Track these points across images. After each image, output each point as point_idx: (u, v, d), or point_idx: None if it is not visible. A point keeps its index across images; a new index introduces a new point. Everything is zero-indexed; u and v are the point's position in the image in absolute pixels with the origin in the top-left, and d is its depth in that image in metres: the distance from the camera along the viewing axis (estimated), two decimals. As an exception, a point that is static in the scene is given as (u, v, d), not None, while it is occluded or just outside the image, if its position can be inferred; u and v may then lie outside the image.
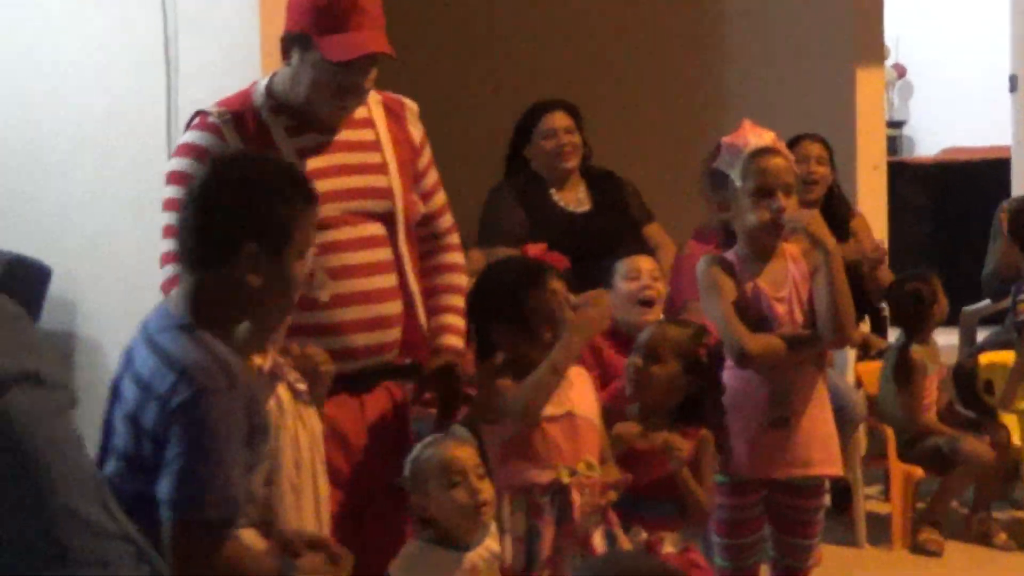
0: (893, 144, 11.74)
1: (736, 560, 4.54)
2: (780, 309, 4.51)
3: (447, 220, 4.13)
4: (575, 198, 6.14)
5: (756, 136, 4.51)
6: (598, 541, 3.97)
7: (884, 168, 7.74)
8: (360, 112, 3.93)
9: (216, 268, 3.14)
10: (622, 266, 5.21)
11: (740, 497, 4.43)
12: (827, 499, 4.85)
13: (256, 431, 3.14)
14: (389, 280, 3.87)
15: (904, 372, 6.56)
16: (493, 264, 4.52)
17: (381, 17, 3.79)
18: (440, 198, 4.10)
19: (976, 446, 6.47)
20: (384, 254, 3.87)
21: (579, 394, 4.04)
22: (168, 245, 3.72)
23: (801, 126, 6.60)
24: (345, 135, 3.89)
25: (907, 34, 12.25)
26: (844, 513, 6.62)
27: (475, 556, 3.70)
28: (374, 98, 3.96)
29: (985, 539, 6.53)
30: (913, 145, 12.93)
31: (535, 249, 4.23)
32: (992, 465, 6.48)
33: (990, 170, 10.54)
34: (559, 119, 6.16)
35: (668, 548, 4.23)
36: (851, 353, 6.90)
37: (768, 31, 8.18)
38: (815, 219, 4.50)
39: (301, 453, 3.63)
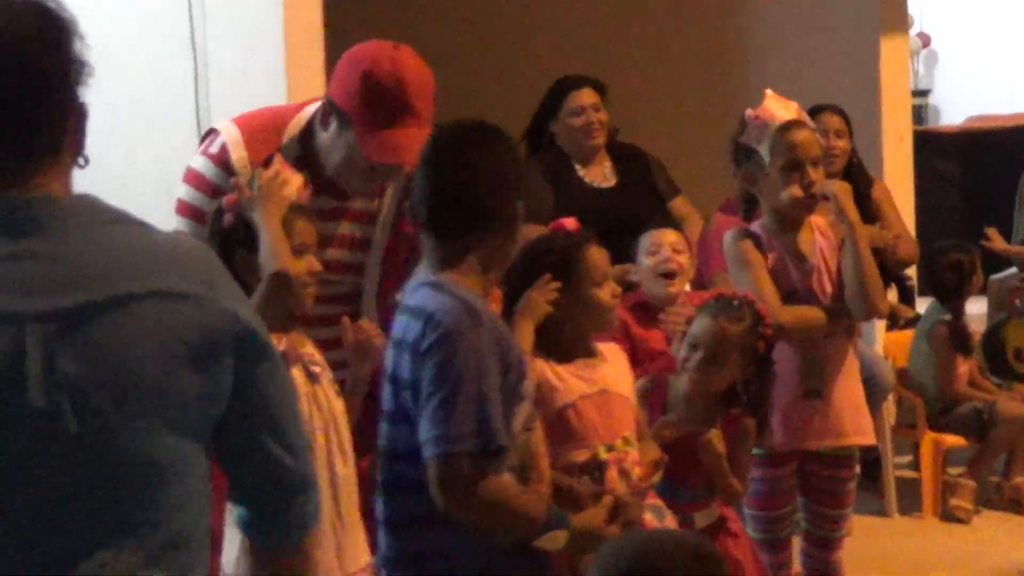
0: (918, 113, 11.70)
1: (769, 531, 4.56)
2: (807, 281, 4.52)
3: None
4: (601, 174, 6.15)
5: (781, 108, 4.50)
6: (649, 518, 3.93)
7: (910, 138, 7.72)
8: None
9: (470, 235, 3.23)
10: (644, 240, 5.20)
11: (774, 469, 4.44)
12: (858, 468, 4.84)
13: (511, 369, 3.18)
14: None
15: (962, 342, 6.61)
16: (537, 239, 4.33)
17: (429, 113, 3.64)
18: None
19: (1015, 407, 6.49)
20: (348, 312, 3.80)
21: (613, 370, 4.00)
22: None
23: (825, 96, 6.59)
24: (355, 203, 3.78)
25: (931, 3, 12.22)
26: (875, 483, 6.63)
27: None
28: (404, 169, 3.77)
29: (1016, 506, 6.54)
30: (938, 114, 12.89)
31: (570, 223, 4.09)
32: None
33: (1016, 137, 10.51)
34: (587, 96, 6.16)
35: (701, 523, 4.23)
36: (879, 323, 6.91)
37: (793, 2, 8.17)
38: (844, 190, 4.51)
39: (314, 436, 3.63)
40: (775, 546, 4.59)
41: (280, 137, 3.68)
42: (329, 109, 3.62)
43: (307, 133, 3.69)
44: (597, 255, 3.91)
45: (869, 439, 4.68)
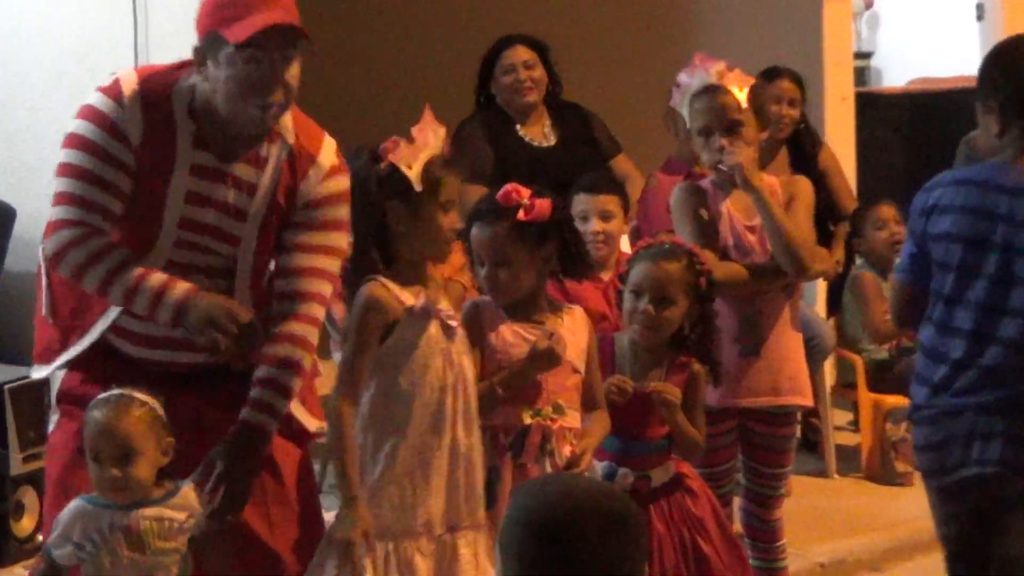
0: (861, 75, 11.71)
1: (709, 488, 4.55)
2: (751, 238, 4.53)
3: (314, 286, 3.73)
4: (541, 132, 6.14)
5: (703, 73, 4.51)
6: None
7: (852, 99, 7.73)
8: (266, 150, 3.68)
9: None
10: (576, 204, 5.13)
11: (712, 426, 4.43)
12: (798, 429, 4.85)
13: None
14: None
15: (860, 292, 6.63)
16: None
17: (293, 8, 3.57)
18: (314, 260, 3.73)
19: None
20: (221, 286, 3.71)
21: (563, 334, 4.00)
22: (60, 213, 3.60)
23: (769, 58, 6.58)
24: (238, 169, 3.67)
25: (874, -37, 12.21)
26: (815, 444, 6.65)
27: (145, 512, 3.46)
28: (286, 141, 3.71)
29: None
30: (881, 76, 12.90)
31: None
32: None
33: (958, 100, 10.52)
34: (519, 53, 6.15)
35: (659, 479, 4.22)
36: (821, 284, 6.91)
37: (735, -39, 8.14)
38: (748, 158, 4.49)
39: (444, 395, 3.66)
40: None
41: (172, 88, 3.62)
42: (200, 49, 3.57)
43: (196, 86, 3.62)
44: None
45: (806, 400, 4.69)
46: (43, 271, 3.82)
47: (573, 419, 3.97)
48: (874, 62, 12.99)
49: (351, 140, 6.32)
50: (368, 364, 3.70)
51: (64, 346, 3.78)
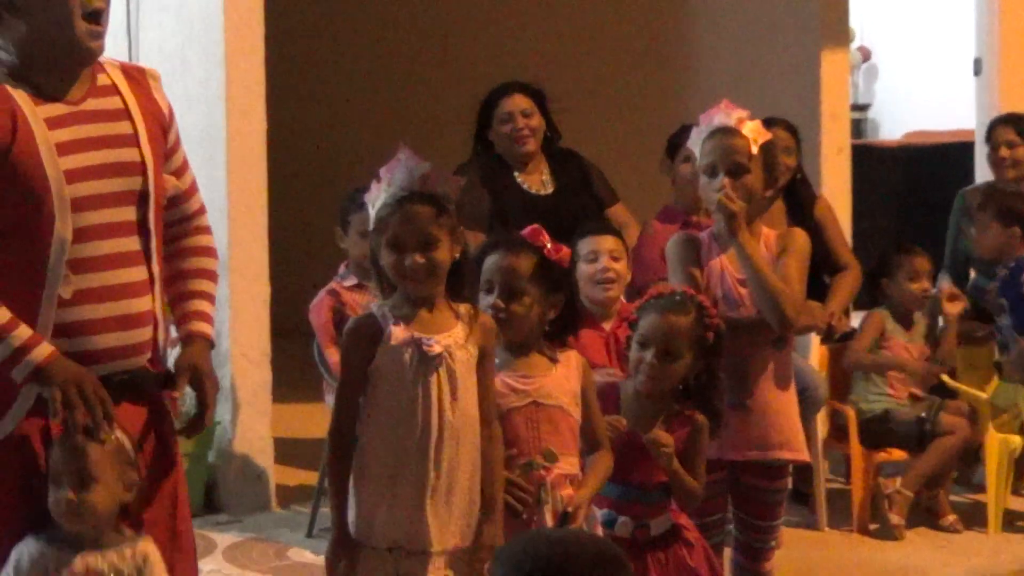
0: (857, 127, 11.75)
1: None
2: (741, 291, 4.53)
3: (197, 201, 3.71)
4: (539, 180, 6.14)
5: (725, 115, 4.54)
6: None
7: (848, 151, 7.74)
8: (102, 79, 3.49)
9: None
10: (583, 246, 5.22)
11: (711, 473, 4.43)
12: (789, 482, 4.84)
13: None
14: (140, 273, 3.48)
15: (863, 322, 6.66)
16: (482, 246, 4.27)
17: None
18: (189, 176, 3.69)
19: (959, 421, 6.49)
20: (134, 243, 3.47)
21: (558, 380, 4.02)
22: None
23: (766, 108, 6.57)
24: (91, 104, 3.45)
25: (872, 16, 12.28)
26: (806, 496, 6.63)
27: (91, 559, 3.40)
28: (112, 63, 3.54)
29: (929, 515, 6.56)
30: (877, 128, 12.95)
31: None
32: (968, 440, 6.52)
33: (954, 153, 10.56)
34: (517, 102, 6.16)
35: (657, 530, 4.22)
36: (814, 336, 6.91)
37: (734, 12, 8.18)
38: (738, 209, 4.48)
39: (419, 422, 3.70)
40: None
41: None
42: None
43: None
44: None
45: (798, 454, 4.67)
46: None
47: (570, 464, 3.99)
48: (870, 114, 13.04)
49: (350, 182, 6.36)
50: (354, 395, 3.76)
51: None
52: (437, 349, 3.70)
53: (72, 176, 3.37)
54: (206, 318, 3.66)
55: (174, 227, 3.65)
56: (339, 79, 10.24)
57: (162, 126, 3.56)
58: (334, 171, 8.94)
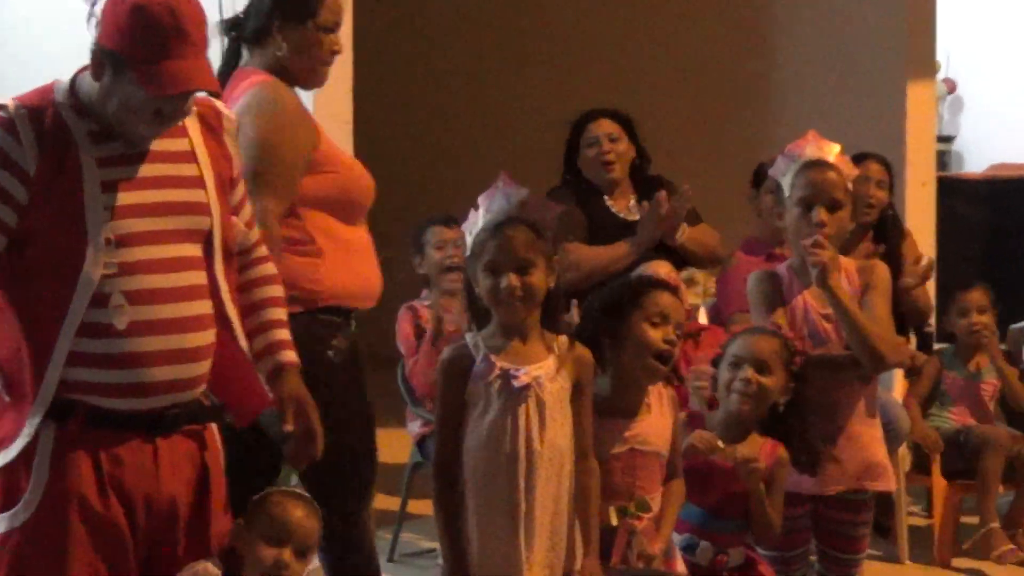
0: (942, 159, 11.69)
1: (781, 572, 4.54)
2: (826, 326, 4.51)
3: (255, 233, 3.73)
4: (626, 206, 6.16)
5: (816, 148, 4.51)
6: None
7: (933, 184, 7.72)
8: None
9: None
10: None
11: (788, 508, 4.42)
12: (872, 515, 4.81)
13: None
14: (202, 307, 3.48)
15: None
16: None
17: (204, 41, 3.38)
18: (248, 210, 3.71)
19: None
20: (198, 278, 3.48)
21: (652, 426, 4.05)
22: None
23: (851, 141, 6.54)
24: (156, 144, 3.47)
25: (957, 48, 12.20)
26: (887, 529, 6.61)
27: None
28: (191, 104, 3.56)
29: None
30: (962, 160, 12.88)
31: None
32: None
33: (1040, 187, 10.50)
34: (604, 126, 6.17)
35: (735, 561, 4.26)
36: (898, 370, 6.89)
37: (819, 46, 8.18)
38: (830, 258, 4.45)
39: (507, 452, 3.75)
40: None
41: (51, 95, 3.41)
42: (100, 56, 3.35)
43: (77, 84, 3.43)
44: (664, 298, 3.99)
45: (883, 484, 4.64)
46: None
47: (656, 503, 4.04)
48: (955, 146, 12.96)
49: (436, 212, 6.42)
50: (453, 427, 3.79)
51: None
52: (525, 380, 3.72)
53: (121, 212, 3.38)
54: (289, 346, 3.66)
55: (237, 258, 3.67)
56: (428, 109, 10.31)
57: (228, 167, 3.59)
58: (420, 202, 9.01)
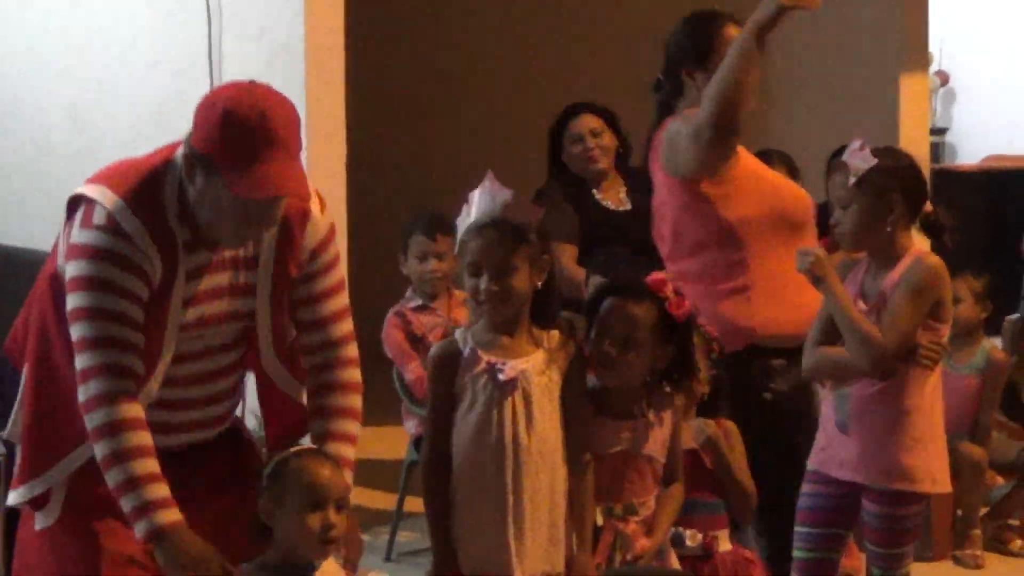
0: (935, 151, 11.69)
1: (811, 549, 4.47)
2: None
3: (343, 328, 3.66)
4: (616, 197, 6.16)
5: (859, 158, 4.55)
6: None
7: (927, 176, 7.70)
8: None
9: None
10: None
11: (821, 485, 4.42)
12: (916, 510, 4.60)
13: None
14: (227, 382, 3.64)
15: None
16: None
17: (297, 145, 3.37)
18: (337, 302, 3.66)
19: None
20: (229, 358, 3.60)
21: (645, 428, 4.01)
22: (87, 360, 3.35)
23: (845, 133, 6.56)
24: (227, 252, 3.50)
25: (950, 40, 12.21)
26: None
27: None
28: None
29: (997, 544, 6.52)
30: (955, 152, 12.88)
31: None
32: None
33: (1033, 178, 10.51)
34: (585, 122, 6.18)
35: (724, 546, 4.24)
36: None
37: (812, 38, 8.16)
38: (819, 258, 4.42)
39: (493, 446, 3.74)
40: (820, 565, 4.50)
41: (162, 197, 3.41)
42: (192, 159, 3.36)
43: (182, 189, 3.42)
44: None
45: (895, 482, 4.40)
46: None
47: (647, 508, 4.01)
48: (948, 138, 12.97)
49: (428, 208, 6.40)
50: (444, 421, 3.80)
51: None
52: (510, 374, 3.73)
53: (185, 328, 3.45)
54: (348, 464, 3.62)
55: (316, 355, 3.65)
56: (420, 106, 10.29)
57: (297, 267, 3.55)
58: (414, 197, 8.98)
